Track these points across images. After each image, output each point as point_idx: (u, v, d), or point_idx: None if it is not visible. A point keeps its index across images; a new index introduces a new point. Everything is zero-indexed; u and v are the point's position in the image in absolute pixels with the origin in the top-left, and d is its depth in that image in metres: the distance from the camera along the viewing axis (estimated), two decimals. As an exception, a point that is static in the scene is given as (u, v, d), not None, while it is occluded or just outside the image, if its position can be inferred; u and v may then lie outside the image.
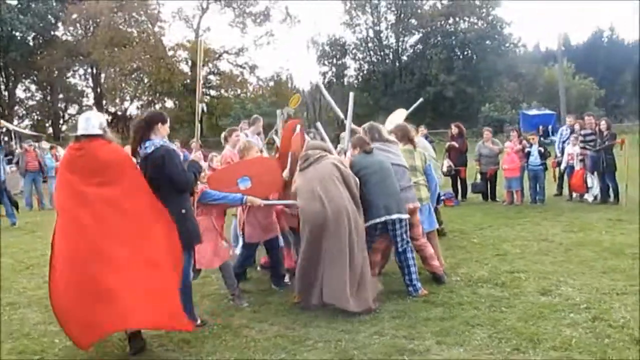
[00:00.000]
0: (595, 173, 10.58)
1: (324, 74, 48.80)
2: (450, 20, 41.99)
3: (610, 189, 10.45)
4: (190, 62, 46.97)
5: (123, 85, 46.96)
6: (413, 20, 44.00)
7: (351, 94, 6.47)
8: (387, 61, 45.59)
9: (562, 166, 11.35)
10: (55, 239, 4.10)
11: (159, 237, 4.16)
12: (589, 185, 10.74)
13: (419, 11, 43.15)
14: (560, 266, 6.08)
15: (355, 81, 47.05)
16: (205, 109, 5.98)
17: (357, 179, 5.02)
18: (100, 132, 4.23)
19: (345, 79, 47.72)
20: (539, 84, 41.93)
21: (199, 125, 5.18)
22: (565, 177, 11.46)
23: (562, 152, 11.47)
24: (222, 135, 13.32)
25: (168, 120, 4.62)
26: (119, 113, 51.72)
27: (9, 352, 4.37)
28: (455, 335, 4.17)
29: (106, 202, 4.04)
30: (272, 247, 5.71)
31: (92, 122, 4.26)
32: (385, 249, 5.54)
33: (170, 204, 4.33)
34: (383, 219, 4.98)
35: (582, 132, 10.82)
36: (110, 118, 51.54)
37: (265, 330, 4.55)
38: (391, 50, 45.91)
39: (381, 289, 5.12)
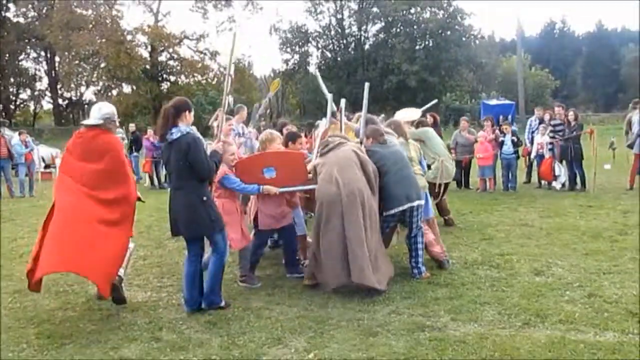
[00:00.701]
0: (564, 161, 11.19)
1: (286, 62, 48.80)
2: (413, 10, 42.54)
3: (578, 177, 11.06)
4: (149, 47, 46.09)
5: (79, 70, 45.65)
6: (375, 9, 44.39)
7: (366, 84, 6.61)
8: (349, 49, 45.92)
9: (532, 155, 11.93)
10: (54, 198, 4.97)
11: (118, 207, 4.90)
12: (557, 173, 11.33)
13: (382, 0, 43.58)
14: (545, 249, 6.52)
15: (319, 69, 47.19)
16: (231, 102, 6.06)
17: (375, 167, 5.24)
18: (99, 122, 4.89)
19: (310, 67, 47.78)
20: (497, 74, 43.14)
21: (224, 117, 5.34)
22: (535, 165, 12.05)
23: (532, 142, 12.06)
24: (215, 123, 13.37)
25: (193, 108, 4.79)
26: (74, 99, 50.50)
27: (36, 336, 4.45)
28: (467, 313, 4.50)
29: (87, 173, 4.88)
30: (286, 235, 5.78)
31: (102, 112, 4.94)
32: (391, 231, 5.84)
33: (191, 190, 4.56)
34: (406, 206, 5.25)
35: (552, 122, 11.40)
36: (65, 104, 50.39)
37: (285, 312, 4.75)
38: (354, 38, 46.24)
39: (392, 274, 5.36)
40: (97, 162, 4.87)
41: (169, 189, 5.04)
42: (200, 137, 5.01)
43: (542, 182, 11.79)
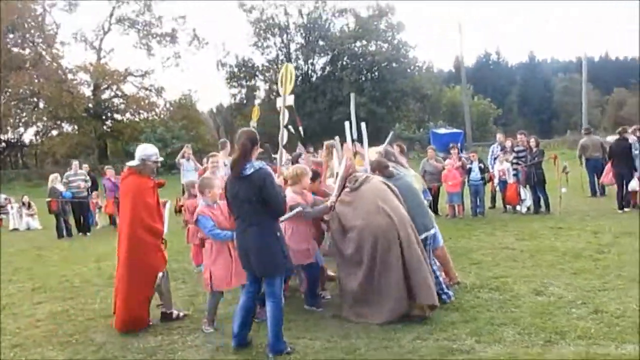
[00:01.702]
0: (528, 186, 11.75)
1: (234, 96, 49.04)
2: (358, 43, 43.78)
3: (542, 200, 11.62)
4: (92, 85, 45.22)
5: (17, 111, 44.08)
6: (321, 42, 45.43)
7: (352, 95, 6.73)
8: (297, 82, 46.59)
9: (495, 181, 12.46)
10: None
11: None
12: (523, 197, 11.87)
13: (328, 33, 44.65)
14: (535, 270, 6.83)
15: (268, 102, 47.55)
16: (292, 130, 6.09)
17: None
18: (137, 163, 5.41)
19: (256, 101, 48.05)
20: (442, 104, 44.73)
21: (283, 149, 5.38)
22: (498, 191, 12.58)
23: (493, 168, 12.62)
24: (182, 160, 13.21)
25: None
26: (12, 141, 48.57)
27: None
28: (488, 335, 4.69)
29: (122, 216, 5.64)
30: (312, 269, 5.78)
31: (139, 152, 5.41)
32: None
33: (265, 226, 4.48)
34: (424, 235, 5.43)
35: (515, 149, 12.00)
36: (2, 146, 48.37)
37: (310, 345, 4.78)
38: (301, 71, 46.98)
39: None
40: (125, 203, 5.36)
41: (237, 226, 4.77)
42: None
43: (508, 206, 12.29)
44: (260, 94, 49.35)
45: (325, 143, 6.85)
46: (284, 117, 5.40)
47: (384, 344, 4.66)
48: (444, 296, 5.61)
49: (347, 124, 6.45)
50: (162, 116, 48.46)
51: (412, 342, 4.67)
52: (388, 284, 5.07)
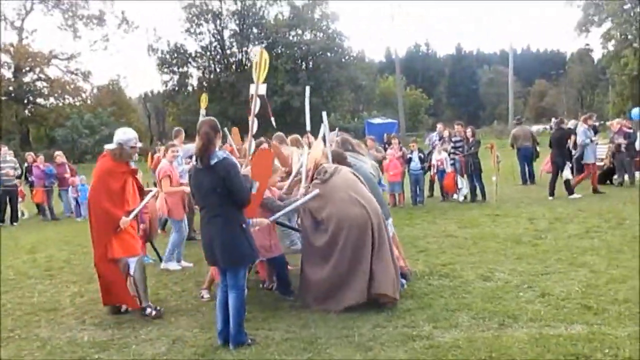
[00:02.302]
0: (465, 175, 12.15)
1: (165, 83, 47.76)
2: (293, 32, 43.60)
3: (478, 189, 12.05)
4: (13, 67, 42.73)
5: None
6: (255, 30, 44.92)
7: (307, 88, 6.68)
8: (231, 70, 45.91)
9: (432, 171, 12.81)
10: None
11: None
12: (460, 186, 12.27)
13: (263, 21, 44.15)
14: (480, 257, 7.06)
15: (201, 90, 46.58)
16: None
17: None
18: (114, 146, 5.29)
19: (190, 88, 47.00)
20: (375, 94, 45.39)
21: (252, 139, 5.21)
22: (437, 180, 12.94)
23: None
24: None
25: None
26: None
27: None
28: (444, 320, 4.81)
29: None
30: (278, 264, 5.75)
31: (124, 136, 5.34)
32: None
33: (230, 217, 4.38)
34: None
35: (453, 139, 12.35)
36: None
37: (269, 335, 4.71)
38: (236, 59, 46.32)
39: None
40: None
41: (202, 216, 4.64)
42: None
43: (445, 195, 12.66)
44: (193, 81, 48.32)
45: (290, 137, 6.83)
46: (255, 106, 5.25)
47: (344, 333, 4.68)
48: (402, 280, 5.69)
49: (307, 114, 6.42)
50: (89, 101, 46.57)
51: (372, 330, 4.72)
52: (355, 273, 5.10)
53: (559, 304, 5.02)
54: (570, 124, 17.04)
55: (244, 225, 4.48)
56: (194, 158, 4.65)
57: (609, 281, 5.57)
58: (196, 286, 6.49)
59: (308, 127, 6.42)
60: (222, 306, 4.61)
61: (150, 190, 6.01)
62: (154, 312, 5.43)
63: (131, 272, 5.42)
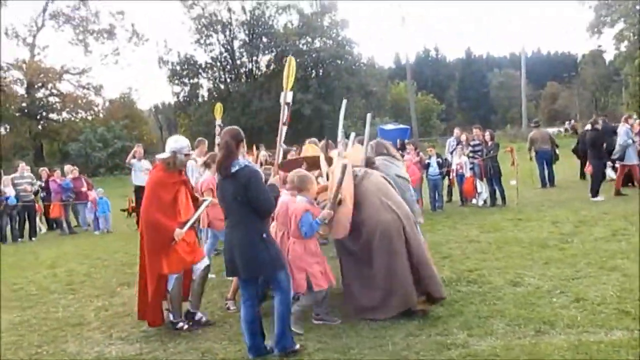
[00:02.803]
0: (484, 179, 12.02)
1: (177, 94, 47.94)
2: (303, 40, 43.68)
3: (497, 193, 11.91)
4: (26, 83, 43.16)
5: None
6: (265, 39, 45.05)
7: (368, 115, 6.57)
8: (242, 80, 46.04)
9: (452, 175, 12.69)
10: None
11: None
12: (479, 190, 12.13)
13: (272, 30, 44.27)
14: (506, 262, 6.95)
15: (212, 101, 46.76)
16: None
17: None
18: (167, 155, 5.17)
19: (201, 99, 47.15)
20: (387, 100, 45.33)
21: (281, 148, 5.17)
22: (456, 184, 12.82)
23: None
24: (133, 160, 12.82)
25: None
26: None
27: None
28: (478, 328, 4.71)
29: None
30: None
31: (177, 144, 5.23)
32: None
33: (250, 227, 4.31)
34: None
35: (471, 142, 12.24)
36: None
37: (303, 347, 4.66)
38: (246, 69, 46.45)
39: None
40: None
41: (226, 225, 4.55)
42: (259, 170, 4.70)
43: (464, 199, 12.54)
44: (204, 91, 48.54)
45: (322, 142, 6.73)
46: (284, 114, 5.19)
47: (377, 343, 4.60)
48: None
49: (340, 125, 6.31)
50: (101, 115, 46.92)
51: (405, 339, 4.64)
52: (396, 280, 5.01)
53: (595, 309, 4.90)
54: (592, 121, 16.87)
55: (264, 235, 4.36)
56: (214, 168, 4.60)
57: (644, 284, 5.44)
58: (221, 297, 6.44)
59: (339, 138, 6.32)
60: (247, 321, 4.49)
61: (205, 200, 5.81)
62: (185, 326, 5.35)
63: (169, 287, 5.33)
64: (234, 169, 4.30)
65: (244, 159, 4.50)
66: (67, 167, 15.23)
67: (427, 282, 5.05)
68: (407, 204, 5.47)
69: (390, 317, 5.05)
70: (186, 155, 5.31)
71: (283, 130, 5.21)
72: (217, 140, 9.60)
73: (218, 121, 9.74)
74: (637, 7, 34.70)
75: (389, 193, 5.22)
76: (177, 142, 5.27)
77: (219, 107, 10.12)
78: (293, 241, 4.97)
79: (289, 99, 5.43)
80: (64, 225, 14.29)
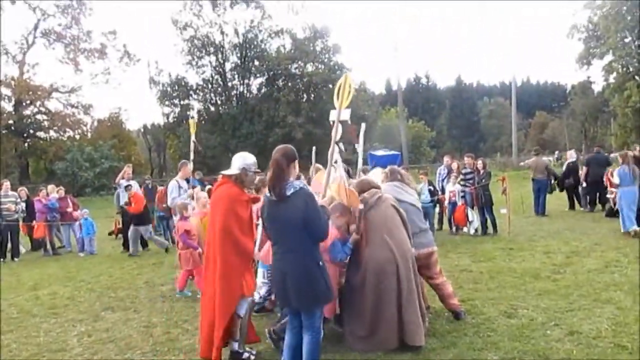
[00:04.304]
0: (475, 208, 11.98)
1: (166, 115, 47.88)
2: (295, 64, 43.91)
3: (489, 222, 11.86)
4: (14, 101, 42.88)
5: None
6: (257, 62, 45.27)
7: (363, 125, 6.45)
8: (233, 103, 46.10)
9: (445, 203, 12.63)
10: None
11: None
12: (470, 219, 12.08)
13: (264, 54, 44.50)
14: (499, 292, 6.85)
15: (202, 123, 46.68)
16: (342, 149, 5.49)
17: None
18: (236, 172, 4.84)
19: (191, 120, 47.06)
20: (378, 126, 45.50)
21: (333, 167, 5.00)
22: (446, 212, 12.76)
23: (443, 190, 12.82)
24: (122, 181, 12.65)
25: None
26: None
27: None
28: (472, 362, 4.61)
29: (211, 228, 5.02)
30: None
31: (246, 161, 4.90)
32: None
33: (307, 254, 4.06)
34: (431, 249, 5.73)
35: (463, 171, 12.23)
36: None
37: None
38: (237, 92, 46.55)
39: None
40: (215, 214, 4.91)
41: (274, 252, 4.25)
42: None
43: (455, 228, 12.46)
44: (194, 113, 48.48)
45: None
46: (337, 132, 5.00)
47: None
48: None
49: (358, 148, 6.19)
50: (89, 135, 46.67)
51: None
52: (382, 319, 4.91)
53: (591, 342, 4.81)
54: (568, 154, 17.11)
55: (320, 263, 4.11)
56: (266, 189, 4.27)
57: (638, 319, 5.36)
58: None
59: (360, 165, 6.20)
60: (292, 347, 4.28)
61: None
62: (252, 357, 4.99)
63: (241, 312, 4.91)
64: (289, 192, 4.03)
65: (298, 181, 4.20)
66: (51, 187, 14.91)
67: (407, 328, 4.90)
68: (416, 234, 5.44)
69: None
70: (255, 172, 5.03)
71: (335, 149, 5.01)
72: (192, 156, 9.52)
73: (193, 137, 9.64)
74: (626, 40, 35.36)
75: (393, 229, 5.07)
76: (245, 159, 4.91)
77: (192, 123, 9.96)
78: None
79: (345, 116, 5.20)
80: (48, 246, 14.01)
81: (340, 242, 4.84)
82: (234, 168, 4.84)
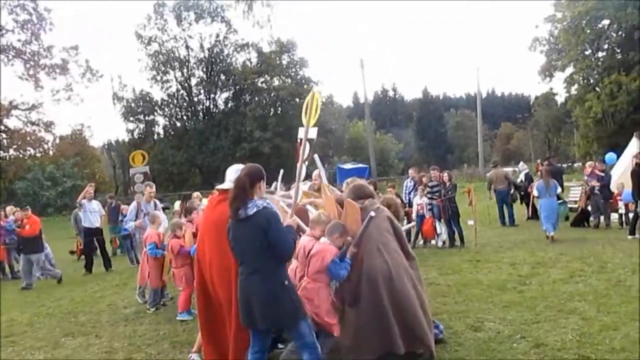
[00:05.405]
0: (442, 220, 12.04)
1: (131, 131, 47.13)
2: (262, 79, 43.86)
3: (456, 234, 11.93)
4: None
5: None
6: (223, 77, 45.08)
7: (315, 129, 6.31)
8: (199, 118, 45.74)
9: (413, 215, 12.65)
10: None
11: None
12: (439, 231, 12.13)
13: (230, 68, 44.34)
14: (466, 305, 6.85)
15: (167, 138, 46.13)
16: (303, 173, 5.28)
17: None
18: (228, 186, 4.49)
19: (157, 137, 46.47)
20: (345, 139, 45.70)
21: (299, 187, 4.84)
22: (415, 225, 12.75)
23: (410, 203, 12.85)
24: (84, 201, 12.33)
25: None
26: None
27: None
28: (440, 378, 4.57)
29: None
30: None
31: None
32: None
33: (270, 273, 3.96)
34: None
35: (430, 183, 12.28)
36: None
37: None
38: (203, 106, 46.22)
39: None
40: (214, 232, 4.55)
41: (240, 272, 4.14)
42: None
43: (423, 241, 12.49)
44: (159, 129, 47.92)
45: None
46: (304, 151, 4.90)
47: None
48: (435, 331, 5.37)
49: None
50: (51, 153, 45.52)
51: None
52: (377, 326, 4.79)
53: (556, 355, 4.83)
54: (519, 166, 17.53)
55: (285, 282, 4.04)
56: (229, 209, 4.11)
57: (602, 329, 5.42)
58: (172, 348, 6.11)
59: (323, 179, 6.12)
60: None
61: None
62: None
63: None
64: (251, 211, 3.94)
65: (262, 200, 4.09)
66: (9, 208, 14.38)
67: (407, 337, 4.82)
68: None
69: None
70: None
71: (302, 168, 4.90)
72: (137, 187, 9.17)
73: (136, 169, 9.23)
74: (586, 53, 36.37)
75: (387, 242, 5.00)
76: (239, 170, 4.64)
77: (138, 154, 9.58)
78: (308, 281, 4.70)
79: (313, 135, 5.11)
80: (7, 269, 13.54)
81: (338, 258, 4.72)
82: (232, 181, 4.59)
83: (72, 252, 16.22)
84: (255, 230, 3.92)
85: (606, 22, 35.16)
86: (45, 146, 46.56)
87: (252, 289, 4.00)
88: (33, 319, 8.33)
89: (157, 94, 46.38)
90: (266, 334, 4.24)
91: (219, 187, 4.80)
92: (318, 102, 5.04)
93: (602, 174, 13.08)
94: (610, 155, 16.50)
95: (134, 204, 9.24)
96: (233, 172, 4.72)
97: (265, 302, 3.96)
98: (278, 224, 3.99)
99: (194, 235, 7.34)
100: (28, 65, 44.78)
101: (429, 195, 12.19)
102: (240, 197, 3.99)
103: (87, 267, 12.81)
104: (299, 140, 5.26)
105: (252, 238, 3.93)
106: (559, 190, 12.43)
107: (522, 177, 15.58)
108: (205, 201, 8.03)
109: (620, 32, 35.04)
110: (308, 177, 6.84)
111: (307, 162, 5.22)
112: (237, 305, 4.25)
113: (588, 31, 35.13)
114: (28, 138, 44.60)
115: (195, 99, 46.65)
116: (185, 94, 46.41)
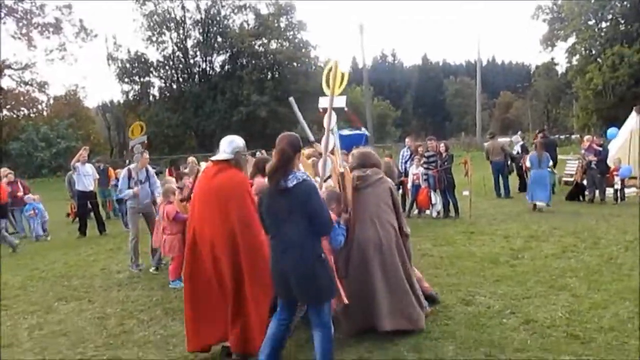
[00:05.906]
0: (438, 190, 12.03)
1: (126, 93, 46.69)
2: (259, 41, 43.23)
3: (451, 205, 11.94)
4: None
5: None
6: (220, 39, 44.40)
7: (291, 99, 6.18)
8: (195, 80, 45.21)
9: (409, 185, 12.65)
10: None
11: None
12: (433, 202, 12.14)
13: (227, 30, 43.64)
14: (458, 278, 6.87)
15: (163, 100, 45.66)
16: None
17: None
18: (229, 156, 4.55)
19: (152, 99, 46.01)
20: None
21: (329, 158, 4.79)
22: (411, 195, 12.77)
23: (405, 172, 12.83)
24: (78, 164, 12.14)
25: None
26: None
27: None
28: (428, 350, 4.60)
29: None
30: None
31: (238, 144, 4.64)
32: None
33: (308, 247, 3.84)
34: None
35: (426, 154, 12.23)
36: None
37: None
38: (200, 69, 45.64)
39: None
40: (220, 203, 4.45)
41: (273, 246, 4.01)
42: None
43: (417, 210, 12.51)
44: (155, 91, 47.40)
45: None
46: (330, 121, 4.83)
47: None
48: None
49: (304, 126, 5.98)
50: (45, 113, 45.15)
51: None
52: (364, 299, 4.85)
53: (545, 332, 4.86)
54: (514, 138, 17.49)
55: (322, 256, 3.93)
56: (266, 179, 4.03)
57: (592, 307, 5.44)
58: (164, 314, 6.16)
59: (311, 138, 6.05)
60: (274, 340, 4.11)
61: None
62: None
63: None
64: (291, 183, 3.82)
65: (301, 172, 3.99)
66: (3, 171, 14.23)
67: (397, 312, 4.89)
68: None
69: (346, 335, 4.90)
70: (246, 156, 4.82)
71: (330, 139, 4.84)
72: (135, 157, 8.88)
73: (135, 140, 8.96)
74: (589, 23, 35.88)
75: (381, 213, 5.01)
76: (237, 141, 4.65)
77: (136, 126, 9.30)
78: None
79: (341, 103, 5.03)
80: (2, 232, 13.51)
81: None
82: (228, 152, 4.58)
83: (67, 215, 16.22)
84: (295, 202, 3.81)
85: (611, -9, 34.61)
86: (39, 107, 46.29)
87: (291, 263, 3.86)
88: (26, 282, 8.36)
89: (153, 55, 46.10)
90: (295, 304, 4.20)
91: (214, 158, 4.71)
92: (343, 75, 4.99)
93: (600, 149, 13.03)
94: (612, 130, 16.39)
95: (125, 171, 9.05)
96: (227, 143, 4.64)
97: (305, 276, 3.85)
98: (318, 197, 3.90)
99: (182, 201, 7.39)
100: (20, 24, 44.06)
101: (425, 165, 12.15)
102: (285, 168, 3.86)
103: (81, 230, 12.82)
104: (320, 110, 5.19)
105: (291, 211, 3.82)
106: (551, 163, 12.54)
107: (518, 148, 15.53)
108: (204, 165, 7.96)
109: (625, 3, 34.49)
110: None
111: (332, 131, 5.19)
112: (251, 272, 4.36)
113: (592, 1, 34.59)
114: (21, 98, 44.23)
115: (192, 61, 46.06)
116: (181, 55, 45.79)
